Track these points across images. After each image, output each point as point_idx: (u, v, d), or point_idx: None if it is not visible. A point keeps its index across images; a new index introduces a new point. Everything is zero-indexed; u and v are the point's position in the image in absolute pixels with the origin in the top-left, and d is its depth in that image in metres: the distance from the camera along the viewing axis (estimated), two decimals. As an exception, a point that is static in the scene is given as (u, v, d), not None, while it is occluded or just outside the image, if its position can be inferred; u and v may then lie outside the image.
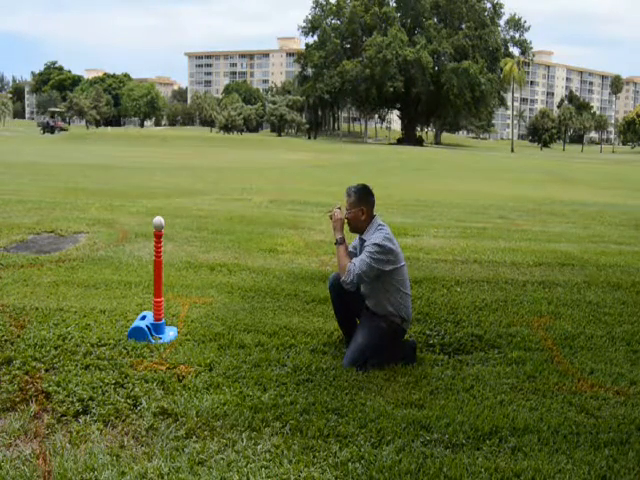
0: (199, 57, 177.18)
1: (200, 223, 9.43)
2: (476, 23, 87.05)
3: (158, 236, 4.37)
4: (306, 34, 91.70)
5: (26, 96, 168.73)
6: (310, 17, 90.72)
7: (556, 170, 39.47)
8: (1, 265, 6.13)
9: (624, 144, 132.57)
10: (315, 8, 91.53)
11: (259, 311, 5.00)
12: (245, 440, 2.98)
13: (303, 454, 2.89)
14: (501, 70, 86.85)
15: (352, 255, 4.19)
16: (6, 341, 4.08)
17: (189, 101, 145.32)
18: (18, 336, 4.17)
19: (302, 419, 3.20)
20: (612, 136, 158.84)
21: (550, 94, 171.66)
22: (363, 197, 4.18)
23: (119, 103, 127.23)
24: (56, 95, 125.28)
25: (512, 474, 2.79)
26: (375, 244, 4.02)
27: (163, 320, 4.38)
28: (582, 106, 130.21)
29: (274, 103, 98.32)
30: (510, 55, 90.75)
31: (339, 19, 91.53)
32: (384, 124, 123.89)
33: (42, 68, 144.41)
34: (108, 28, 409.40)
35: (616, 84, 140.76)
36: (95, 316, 4.64)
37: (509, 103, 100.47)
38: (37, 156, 32.25)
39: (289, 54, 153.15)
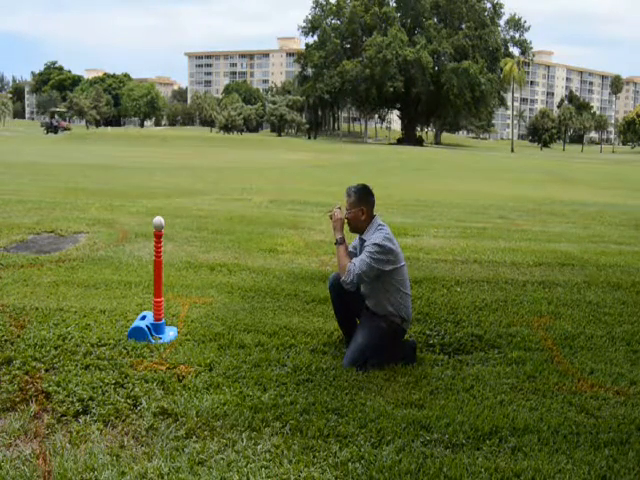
0: (199, 57, 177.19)
1: (200, 223, 9.43)
2: (476, 23, 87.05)
3: (158, 236, 4.37)
4: (306, 34, 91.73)
5: (26, 96, 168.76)
6: (310, 17, 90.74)
7: (556, 170, 39.47)
8: (1, 265, 6.13)
9: (624, 144, 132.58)
10: (315, 8, 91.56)
11: (259, 311, 5.00)
12: (245, 440, 2.98)
13: (303, 454, 2.89)
14: (501, 70, 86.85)
15: (352, 255, 4.19)
16: (6, 341, 4.08)
17: (189, 101, 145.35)
18: (18, 336, 4.17)
19: (302, 419, 3.20)
20: (612, 136, 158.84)
21: (550, 94, 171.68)
22: (363, 197, 4.18)
23: (119, 103, 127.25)
24: (56, 95, 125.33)
25: (512, 474, 2.79)
26: (375, 244, 4.02)
27: (163, 320, 4.38)
28: (582, 106, 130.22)
29: (274, 103, 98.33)
30: (510, 55, 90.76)
31: (339, 19, 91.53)
32: (384, 124, 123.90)
33: (42, 68, 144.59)
34: (108, 28, 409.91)
35: (616, 84, 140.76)
36: (95, 316, 4.64)
37: (509, 103, 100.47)
38: (37, 156, 32.25)
39: (289, 54, 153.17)
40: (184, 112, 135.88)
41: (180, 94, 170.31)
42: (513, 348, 4.41)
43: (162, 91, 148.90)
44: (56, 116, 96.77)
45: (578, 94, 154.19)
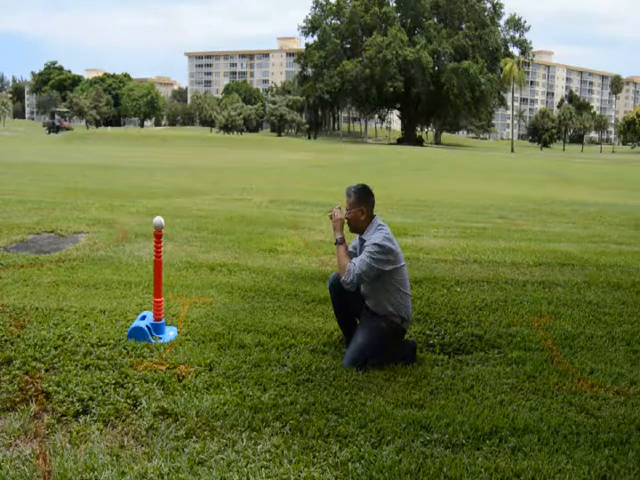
0: (199, 57, 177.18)
1: (200, 223, 9.43)
2: (476, 23, 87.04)
3: (158, 236, 4.37)
4: (306, 34, 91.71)
5: (26, 96, 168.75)
6: (310, 17, 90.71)
7: (556, 170, 39.47)
8: (1, 265, 6.13)
9: (624, 144, 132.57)
10: (315, 8, 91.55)
11: (259, 311, 5.00)
12: (245, 440, 2.98)
13: (303, 454, 2.89)
14: (501, 70, 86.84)
15: (352, 255, 4.19)
16: (6, 341, 4.08)
17: (189, 101, 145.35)
18: (18, 336, 4.17)
19: (302, 419, 3.20)
20: (612, 136, 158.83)
21: (550, 94, 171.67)
22: (363, 197, 4.18)
23: (119, 103, 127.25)
24: (56, 95, 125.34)
25: (512, 474, 2.79)
26: (375, 244, 4.02)
27: (163, 320, 4.38)
28: (582, 106, 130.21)
29: (274, 103, 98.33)
30: (510, 55, 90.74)
31: (339, 19, 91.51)
32: (384, 124, 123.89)
33: (42, 68, 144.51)
34: (108, 28, 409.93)
35: (616, 84, 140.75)
36: (95, 316, 4.64)
37: (509, 103, 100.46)
38: (37, 156, 32.25)
39: (289, 54, 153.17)
40: (184, 112, 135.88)
41: (180, 94, 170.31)
42: (513, 348, 4.41)
43: (162, 91, 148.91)
44: (57, 116, 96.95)
45: (578, 94, 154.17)
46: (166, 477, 2.67)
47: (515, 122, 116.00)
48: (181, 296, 5.32)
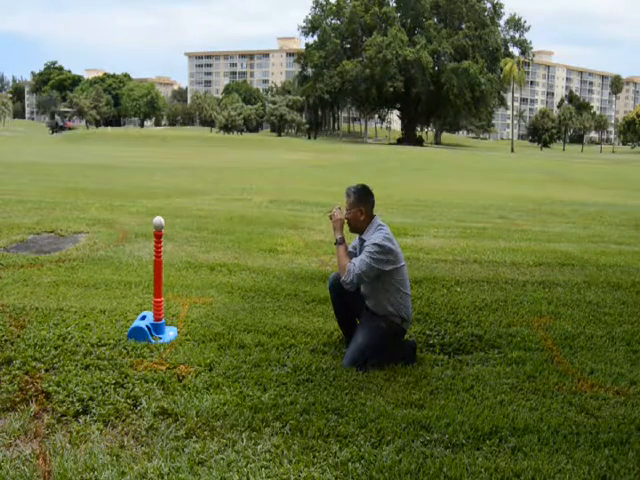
0: (199, 57, 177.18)
1: (200, 223, 9.43)
2: (476, 23, 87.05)
3: (158, 236, 4.37)
4: (306, 34, 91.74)
5: (26, 96, 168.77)
6: (310, 17, 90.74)
7: (556, 170, 39.48)
8: (1, 265, 6.13)
9: (624, 144, 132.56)
10: (315, 8, 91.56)
11: (259, 311, 5.00)
12: (245, 440, 2.98)
13: (303, 454, 2.89)
14: (501, 70, 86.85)
15: (352, 255, 4.19)
16: (6, 341, 4.08)
17: (189, 101, 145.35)
18: (18, 336, 4.17)
19: (302, 419, 3.20)
20: (612, 136, 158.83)
21: (550, 94, 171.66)
22: (362, 197, 4.18)
23: (119, 103, 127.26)
24: (56, 95, 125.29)
25: (512, 474, 2.79)
26: (375, 244, 4.02)
27: (163, 320, 4.38)
28: (582, 106, 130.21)
29: (274, 103, 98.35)
30: (510, 55, 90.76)
31: (339, 19, 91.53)
32: (384, 124, 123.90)
33: (42, 68, 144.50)
34: (108, 28, 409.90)
35: (616, 84, 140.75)
36: (95, 316, 4.64)
37: (509, 103, 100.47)
38: (37, 156, 32.26)
39: (289, 54, 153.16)
40: (184, 112, 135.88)
41: (180, 94, 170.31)
42: (513, 348, 4.41)
43: (162, 91, 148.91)
44: (57, 116, 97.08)
45: (578, 94, 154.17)
46: (166, 477, 2.67)
47: (515, 122, 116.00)
48: (181, 296, 5.32)
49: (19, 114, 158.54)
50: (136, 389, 3.45)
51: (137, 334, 4.20)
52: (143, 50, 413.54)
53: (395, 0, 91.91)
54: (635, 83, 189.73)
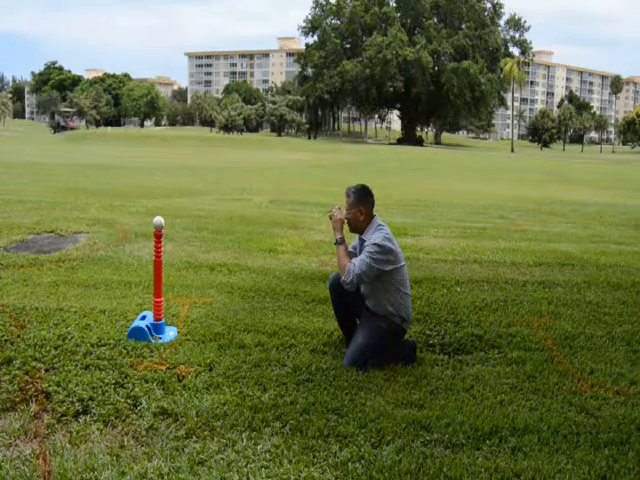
0: (199, 57, 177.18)
1: (200, 223, 9.44)
2: (476, 23, 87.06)
3: (158, 236, 4.37)
4: (306, 34, 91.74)
5: (26, 96, 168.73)
6: (310, 17, 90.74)
7: (556, 170, 39.48)
8: (1, 265, 6.13)
9: (624, 144, 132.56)
10: (315, 8, 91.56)
11: (259, 311, 5.00)
12: (245, 440, 2.98)
13: (303, 454, 2.89)
14: (501, 70, 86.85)
15: (352, 255, 4.19)
16: (6, 341, 4.08)
17: (189, 101, 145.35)
18: (18, 336, 4.17)
19: (302, 419, 3.20)
20: (612, 136, 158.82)
21: (550, 94, 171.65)
22: (362, 197, 4.18)
23: (119, 103, 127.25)
24: (56, 95, 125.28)
25: (512, 474, 2.79)
26: (375, 244, 4.02)
27: (163, 320, 4.37)
28: (582, 106, 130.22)
29: (274, 103, 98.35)
30: (510, 55, 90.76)
31: (339, 19, 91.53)
32: (384, 124, 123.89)
33: (42, 68, 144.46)
34: (108, 28, 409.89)
35: (616, 84, 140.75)
36: (95, 316, 4.64)
37: (509, 103, 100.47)
38: (37, 156, 32.26)
39: (289, 54, 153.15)
40: (184, 112, 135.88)
41: (180, 94, 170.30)
42: (513, 348, 4.41)
43: (162, 91, 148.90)
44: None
45: (578, 94, 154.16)
46: (166, 477, 2.67)
47: (515, 122, 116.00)
48: (181, 296, 5.32)
49: (19, 114, 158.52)
50: (136, 389, 3.45)
51: (137, 334, 4.20)
52: (143, 50, 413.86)
53: (395, 0, 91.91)
54: (635, 83, 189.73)
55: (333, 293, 4.33)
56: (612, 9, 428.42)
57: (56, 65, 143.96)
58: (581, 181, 30.48)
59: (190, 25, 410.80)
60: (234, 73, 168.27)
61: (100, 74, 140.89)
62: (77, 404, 3.26)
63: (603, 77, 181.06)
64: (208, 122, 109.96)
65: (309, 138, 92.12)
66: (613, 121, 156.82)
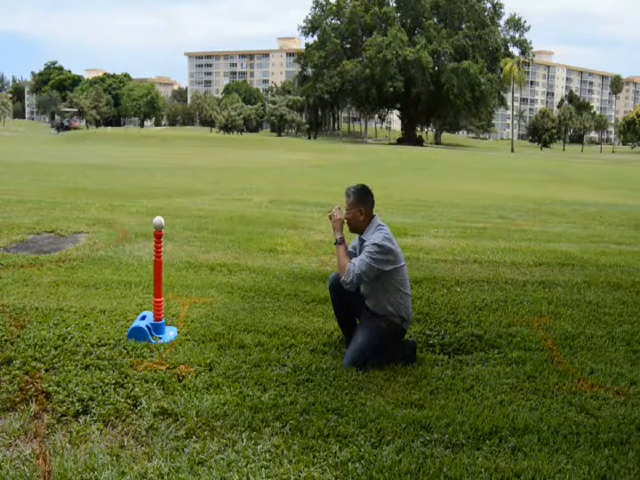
0: (199, 57, 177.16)
1: (200, 223, 9.44)
2: (476, 23, 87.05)
3: (158, 236, 4.37)
4: (306, 34, 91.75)
5: (26, 96, 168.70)
6: (310, 17, 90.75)
7: (556, 170, 39.48)
8: (1, 265, 6.13)
9: (624, 144, 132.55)
10: (315, 8, 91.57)
11: (259, 311, 5.00)
12: (245, 440, 2.98)
13: (303, 454, 2.89)
14: (501, 70, 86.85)
15: (352, 255, 4.19)
16: (6, 341, 4.08)
17: (189, 101, 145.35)
18: (18, 336, 4.17)
19: (302, 419, 3.20)
20: (612, 136, 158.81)
21: (550, 94, 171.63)
22: (362, 197, 4.18)
23: (119, 103, 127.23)
24: (56, 95, 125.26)
25: (512, 474, 2.79)
26: (375, 244, 4.02)
27: (163, 320, 4.38)
28: (582, 106, 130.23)
29: (274, 103, 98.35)
30: (510, 55, 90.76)
31: (339, 19, 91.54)
32: (384, 124, 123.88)
33: (42, 68, 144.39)
34: (108, 28, 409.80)
35: (616, 84, 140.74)
36: (95, 316, 4.64)
37: (509, 103, 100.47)
38: (37, 156, 32.26)
39: (289, 54, 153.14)
40: (184, 112, 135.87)
41: (180, 94, 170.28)
42: (513, 348, 4.41)
43: (162, 91, 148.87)
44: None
45: (578, 94, 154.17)
46: (166, 477, 2.67)
47: (515, 122, 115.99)
48: (181, 296, 5.32)
49: (19, 114, 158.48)
50: (136, 389, 3.45)
51: (137, 334, 4.20)
52: (143, 50, 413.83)
53: (395, 0, 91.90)
54: (635, 83, 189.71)
55: (333, 293, 4.33)
56: (612, 9, 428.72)
57: (56, 65, 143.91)
58: (581, 181, 30.48)
59: (190, 25, 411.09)
60: (234, 73, 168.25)
61: (100, 74, 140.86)
62: (77, 404, 3.26)
63: (603, 77, 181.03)
64: (208, 122, 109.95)
65: (309, 138, 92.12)
66: (613, 121, 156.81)
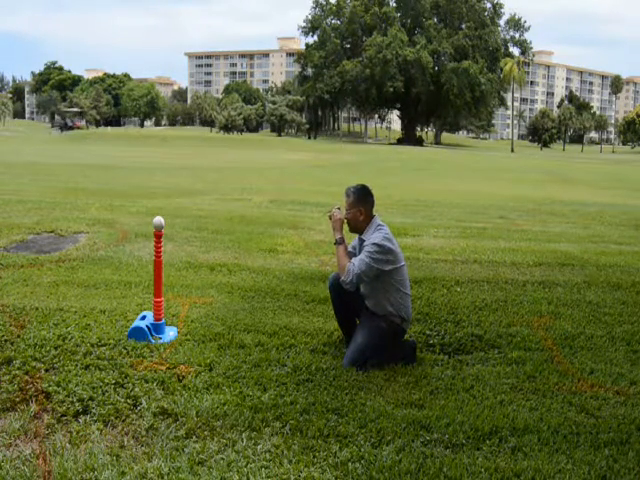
0: (199, 57, 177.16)
1: (200, 223, 9.44)
2: (476, 23, 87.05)
3: (158, 236, 4.37)
4: (306, 34, 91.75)
5: (26, 96, 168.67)
6: (310, 17, 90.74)
7: (556, 170, 39.48)
8: (1, 265, 6.13)
9: (624, 144, 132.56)
10: (315, 8, 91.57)
11: (259, 311, 5.00)
12: (245, 440, 2.98)
13: (303, 454, 2.89)
14: (501, 70, 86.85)
15: (352, 255, 4.19)
16: (6, 341, 4.08)
17: (189, 101, 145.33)
18: (18, 336, 4.17)
19: (302, 419, 3.20)
20: (612, 136, 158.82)
21: (550, 94, 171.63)
22: (362, 197, 4.18)
23: (119, 103, 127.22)
24: (56, 95, 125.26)
25: (512, 474, 2.79)
26: (374, 244, 4.03)
27: (163, 320, 4.38)
28: (582, 106, 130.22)
29: (274, 103, 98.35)
30: (510, 55, 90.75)
31: (339, 19, 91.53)
32: (384, 124, 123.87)
33: (42, 68, 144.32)
34: (108, 28, 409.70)
35: (616, 84, 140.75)
36: (95, 316, 4.64)
37: (509, 103, 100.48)
38: (37, 156, 32.26)
39: (289, 54, 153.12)
40: (184, 112, 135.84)
41: (180, 94, 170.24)
42: (513, 348, 4.41)
43: (162, 91, 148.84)
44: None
45: (578, 94, 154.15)
46: (166, 477, 2.67)
47: (515, 122, 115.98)
48: (181, 296, 5.32)
49: (19, 114, 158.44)
50: (136, 389, 3.45)
51: (137, 334, 4.20)
52: (143, 50, 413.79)
53: (395, 0, 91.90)
54: (635, 83, 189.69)
55: (333, 293, 4.33)
56: (612, 9, 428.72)
57: (56, 65, 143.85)
58: (581, 181, 30.48)
59: (190, 25, 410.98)
60: (234, 73, 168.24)
61: (100, 74, 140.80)
62: (77, 404, 3.26)
63: (603, 77, 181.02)
64: (208, 122, 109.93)
65: (309, 138, 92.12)
66: (613, 121, 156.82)
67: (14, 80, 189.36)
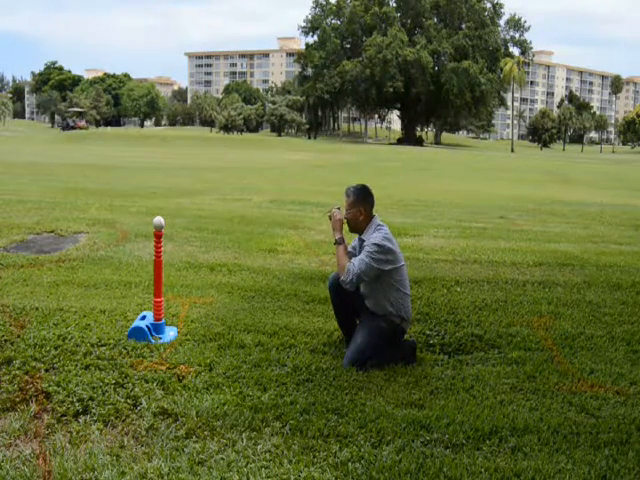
0: (199, 57, 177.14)
1: (200, 223, 9.44)
2: (476, 23, 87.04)
3: (158, 236, 4.37)
4: (306, 34, 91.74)
5: (26, 96, 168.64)
6: (310, 17, 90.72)
7: (556, 170, 39.47)
8: (1, 265, 6.13)
9: (624, 144, 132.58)
10: (315, 8, 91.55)
11: (259, 311, 5.00)
12: (245, 440, 2.98)
13: (303, 454, 2.89)
14: (501, 70, 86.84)
15: (351, 255, 4.19)
16: (6, 341, 4.08)
17: (189, 101, 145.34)
18: (18, 336, 4.17)
19: (302, 419, 3.20)
20: (612, 136, 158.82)
21: (550, 94, 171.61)
22: (362, 197, 4.18)
23: (119, 103, 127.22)
24: (56, 95, 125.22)
25: (512, 474, 2.79)
26: (374, 244, 4.03)
27: (163, 320, 4.38)
28: (582, 106, 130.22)
29: (274, 103, 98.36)
30: (510, 55, 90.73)
31: (339, 19, 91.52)
32: (384, 124, 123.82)
33: (42, 68, 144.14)
34: (108, 28, 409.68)
35: (616, 84, 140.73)
36: (95, 316, 4.64)
37: (509, 103, 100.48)
38: (37, 156, 32.26)
39: (289, 54, 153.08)
40: (184, 112, 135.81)
41: (180, 94, 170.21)
42: (513, 348, 4.41)
43: (162, 91, 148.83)
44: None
45: (578, 94, 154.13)
46: (166, 477, 2.67)
47: (515, 122, 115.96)
48: (181, 296, 5.32)
49: (19, 114, 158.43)
50: (136, 389, 3.45)
51: (137, 334, 4.20)
52: (143, 50, 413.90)
53: (395, 0, 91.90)
54: (635, 83, 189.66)
55: (333, 293, 4.33)
56: (612, 9, 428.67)
57: (56, 65, 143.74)
58: (581, 181, 30.47)
59: (190, 25, 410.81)
60: (234, 73, 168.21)
61: (100, 74, 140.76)
62: (77, 404, 3.26)
63: (603, 77, 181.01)
64: (208, 122, 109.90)
65: (309, 138, 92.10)
66: (613, 121, 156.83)
67: (14, 80, 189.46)
